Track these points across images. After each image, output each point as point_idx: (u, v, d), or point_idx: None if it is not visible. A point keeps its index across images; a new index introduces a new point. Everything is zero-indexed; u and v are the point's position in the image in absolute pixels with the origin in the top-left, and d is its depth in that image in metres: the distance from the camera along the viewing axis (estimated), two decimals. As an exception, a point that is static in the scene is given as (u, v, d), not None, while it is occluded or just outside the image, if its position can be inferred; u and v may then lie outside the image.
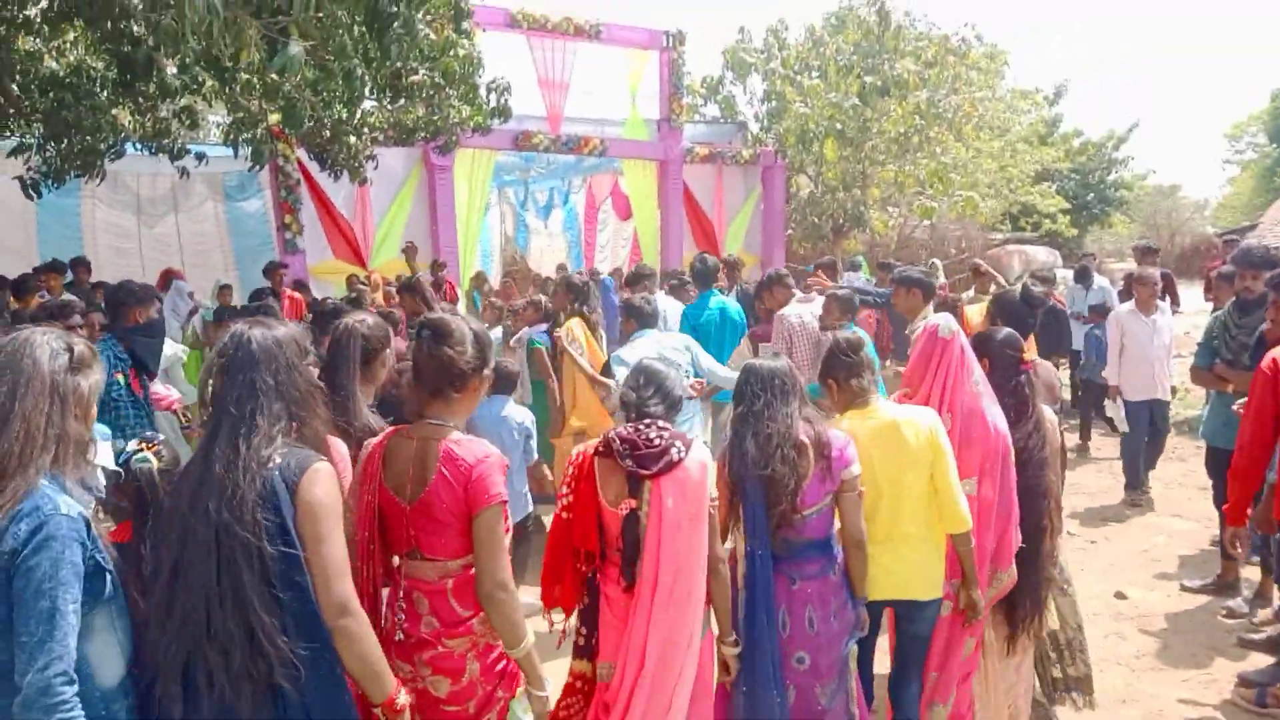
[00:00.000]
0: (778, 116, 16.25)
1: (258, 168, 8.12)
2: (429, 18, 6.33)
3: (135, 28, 5.97)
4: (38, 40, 7.38)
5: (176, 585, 2.13)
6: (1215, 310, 6.59)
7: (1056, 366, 9.02)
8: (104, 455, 2.62)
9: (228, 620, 2.09)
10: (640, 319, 5.84)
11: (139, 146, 8.54)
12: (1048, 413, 3.94)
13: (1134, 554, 6.57)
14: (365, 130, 8.85)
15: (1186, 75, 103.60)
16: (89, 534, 2.05)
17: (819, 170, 16.76)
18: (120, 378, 5.00)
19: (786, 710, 3.18)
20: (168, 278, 10.37)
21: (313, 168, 10.31)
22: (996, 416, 3.61)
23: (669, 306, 7.50)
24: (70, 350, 2.15)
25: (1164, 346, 7.33)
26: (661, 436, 2.99)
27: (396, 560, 2.75)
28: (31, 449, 2.01)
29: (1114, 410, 7.62)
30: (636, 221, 15.97)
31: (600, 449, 3.05)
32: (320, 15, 3.65)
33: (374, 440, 2.75)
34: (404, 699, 2.33)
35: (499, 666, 2.71)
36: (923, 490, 3.41)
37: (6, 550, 1.94)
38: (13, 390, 2.04)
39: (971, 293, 8.70)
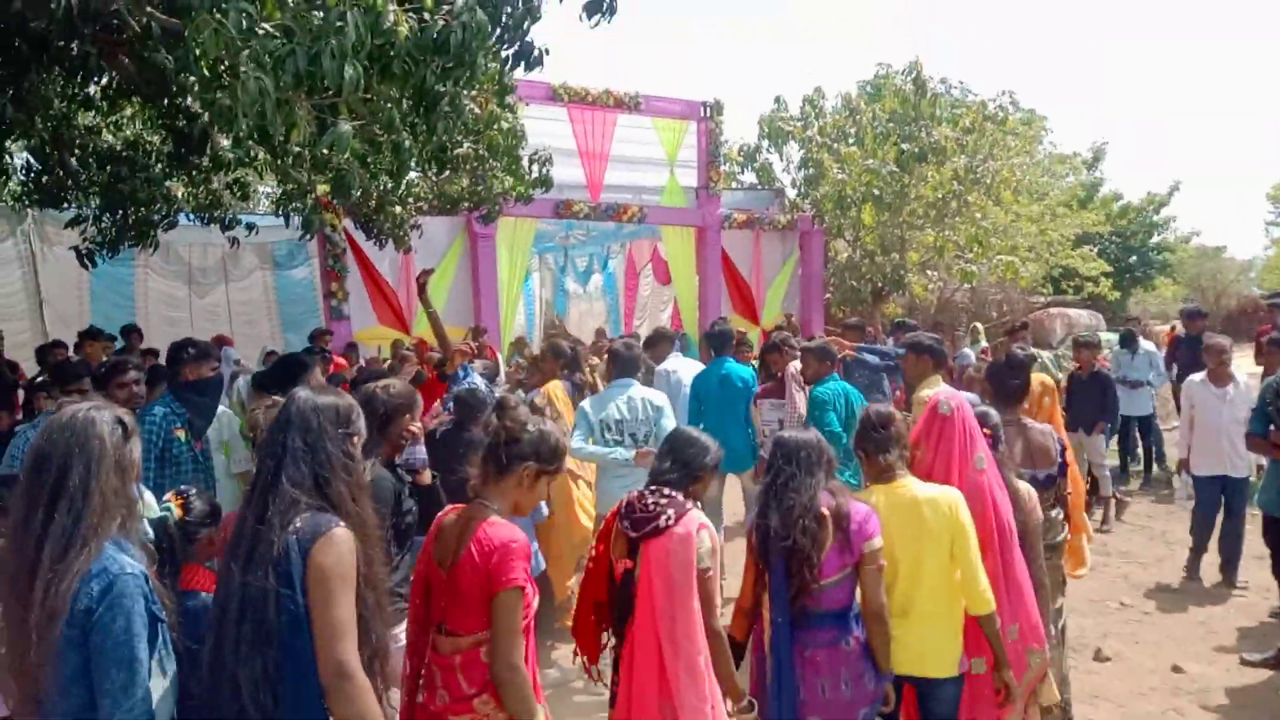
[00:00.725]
0: (814, 183, 16.38)
1: (308, 237, 8.32)
2: (474, 93, 6.50)
3: (190, 104, 6.21)
4: (97, 116, 7.68)
5: (212, 631, 2.29)
6: (1266, 376, 6.45)
7: (1101, 433, 8.87)
8: (150, 507, 2.85)
9: (238, 667, 2.21)
10: (619, 366, 5.69)
11: (191, 217, 8.80)
12: (1022, 485, 3.96)
13: (1191, 626, 6.37)
14: (410, 200, 9.06)
15: (1226, 136, 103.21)
16: (148, 587, 2.22)
17: (857, 235, 16.80)
18: (180, 434, 5.05)
19: None
20: (218, 344, 10.57)
21: (359, 236, 10.54)
22: (999, 494, 3.63)
23: (682, 367, 7.53)
24: (121, 422, 2.34)
25: (1236, 420, 6.83)
26: (658, 504, 3.10)
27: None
28: (105, 520, 2.21)
29: (1179, 484, 7.43)
30: (675, 286, 16.08)
31: (620, 508, 3.22)
32: (369, 95, 3.79)
33: (440, 513, 2.89)
34: None
35: None
36: (940, 568, 3.40)
37: (81, 609, 2.11)
38: (87, 469, 2.22)
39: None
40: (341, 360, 10.22)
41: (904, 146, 15.66)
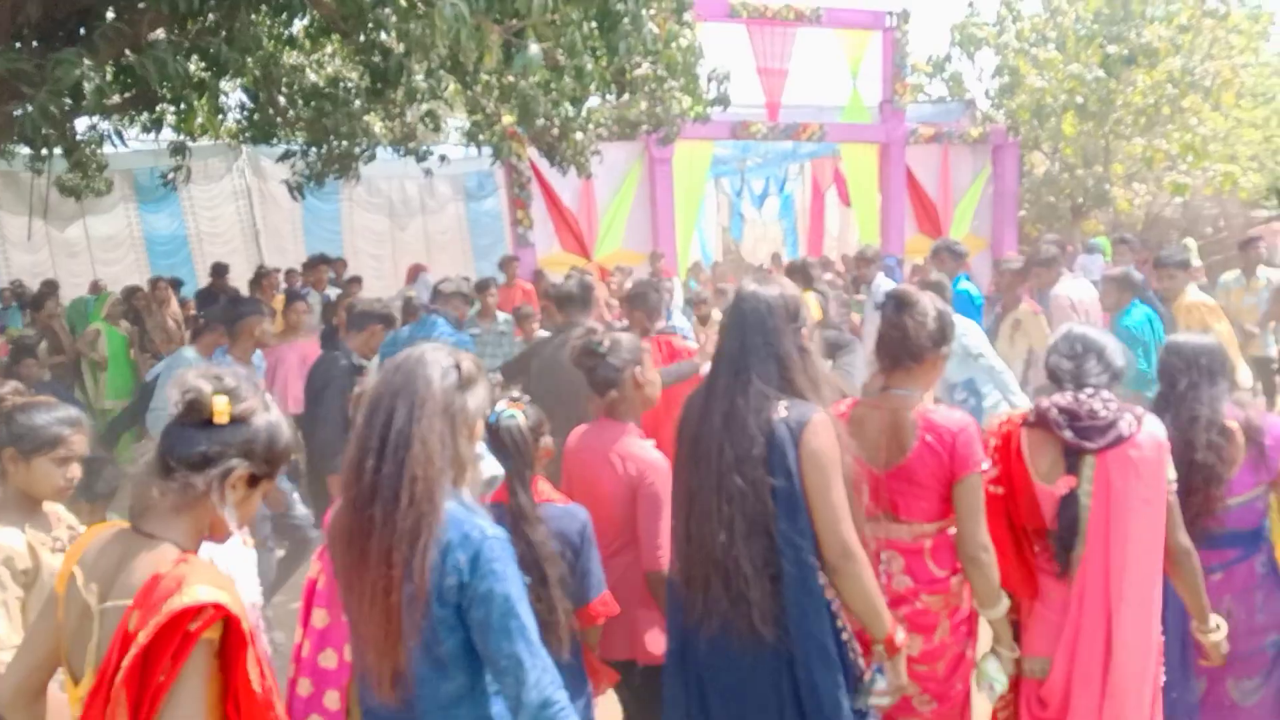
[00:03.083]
0: (1010, 92, 15.47)
1: (496, 164, 8.60)
2: (652, 12, 6.48)
3: (386, 38, 6.50)
4: (301, 54, 8.14)
5: (692, 516, 2.40)
6: None
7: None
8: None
9: (733, 547, 2.31)
10: None
11: (389, 150, 9.27)
12: None
13: None
14: (591, 126, 9.18)
15: None
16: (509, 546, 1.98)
17: (1056, 147, 15.81)
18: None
19: (1195, 698, 3.02)
20: (415, 272, 11.19)
21: (542, 165, 10.78)
22: None
23: None
24: (459, 367, 1.98)
25: None
26: (1108, 408, 2.67)
27: None
28: (434, 473, 1.88)
29: None
30: (855, 207, 15.65)
31: (1030, 419, 2.78)
32: (555, 16, 3.84)
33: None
34: (901, 636, 2.41)
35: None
36: None
37: (451, 584, 1.86)
38: (410, 414, 1.89)
39: (1238, 273, 7.79)
40: (529, 286, 10.56)
41: (1110, 49, 14.50)
